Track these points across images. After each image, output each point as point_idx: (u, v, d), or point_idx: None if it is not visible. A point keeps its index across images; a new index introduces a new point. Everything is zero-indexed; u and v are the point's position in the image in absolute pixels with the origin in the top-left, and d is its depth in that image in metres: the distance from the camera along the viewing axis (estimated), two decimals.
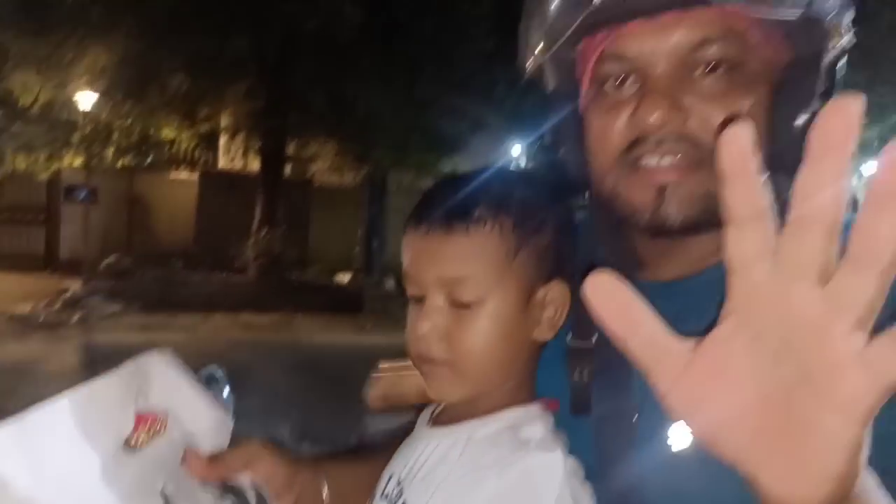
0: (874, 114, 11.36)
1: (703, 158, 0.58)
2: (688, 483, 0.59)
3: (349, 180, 11.94)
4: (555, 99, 0.69)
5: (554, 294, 0.66)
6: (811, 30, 0.60)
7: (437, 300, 0.65)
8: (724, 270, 0.64)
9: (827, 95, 0.61)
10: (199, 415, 0.68)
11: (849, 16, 0.63)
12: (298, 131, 9.91)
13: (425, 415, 0.74)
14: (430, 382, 0.67)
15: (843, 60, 0.63)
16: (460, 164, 11.70)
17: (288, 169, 10.76)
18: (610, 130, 0.62)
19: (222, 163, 12.72)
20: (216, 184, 11.02)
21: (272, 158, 9.77)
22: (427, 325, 0.64)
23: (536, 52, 0.64)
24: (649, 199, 0.60)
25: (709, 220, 0.60)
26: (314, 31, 7.33)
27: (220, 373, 0.76)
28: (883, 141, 13.55)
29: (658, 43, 0.58)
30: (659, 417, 0.61)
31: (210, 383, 0.75)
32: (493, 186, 0.66)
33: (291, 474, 0.69)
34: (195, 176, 11.53)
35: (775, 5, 0.56)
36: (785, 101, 0.60)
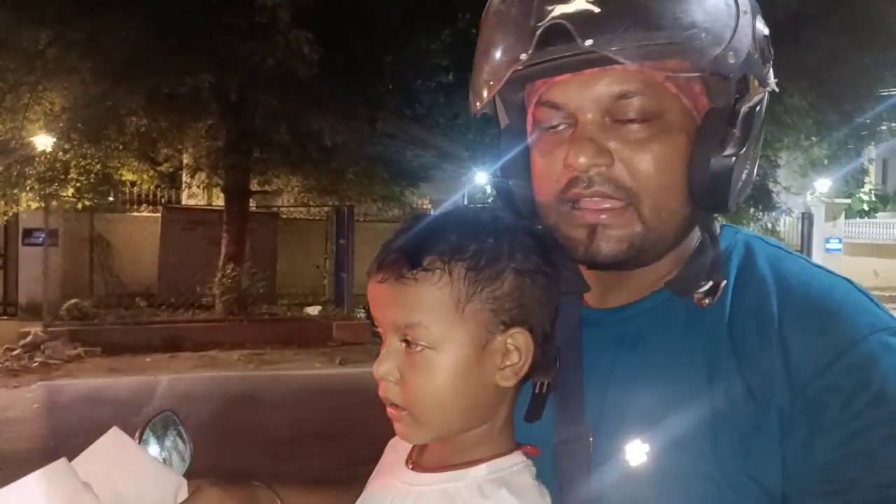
0: (821, 132, 11.77)
1: (628, 200, 0.65)
2: (639, 500, 0.64)
3: (316, 213, 11.92)
4: (506, 135, 0.75)
5: (516, 342, 0.66)
6: (726, 84, 0.65)
7: (394, 343, 0.66)
8: (661, 297, 0.70)
9: (744, 140, 0.66)
10: (154, 485, 0.69)
11: (768, 69, 0.68)
12: (262, 167, 9.88)
13: (400, 452, 0.74)
14: (394, 424, 0.69)
15: (762, 108, 0.68)
16: (426, 193, 11.81)
17: (253, 203, 10.71)
18: (549, 171, 0.68)
19: (185, 198, 12.60)
20: (179, 220, 10.87)
21: (236, 194, 9.71)
22: (384, 368, 0.66)
23: (482, 98, 0.70)
24: (583, 236, 0.66)
25: (637, 256, 0.67)
26: (274, 68, 7.37)
27: (175, 417, 0.77)
28: (831, 158, 13.95)
29: (584, 94, 0.65)
30: (612, 439, 0.66)
31: (166, 427, 0.76)
32: (451, 233, 0.66)
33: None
34: (157, 213, 11.39)
35: (683, 69, 0.62)
36: (702, 146, 0.65)
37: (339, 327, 9.41)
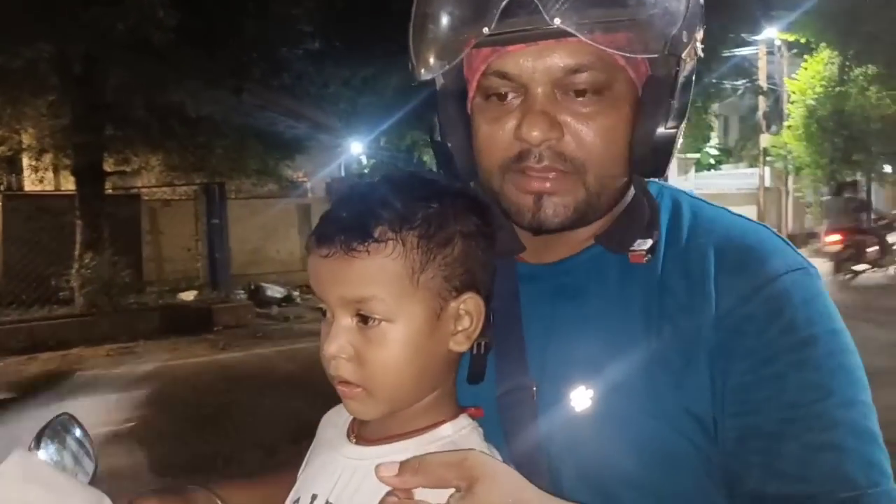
0: None
1: (575, 171, 0.67)
2: (585, 442, 0.67)
3: (184, 192, 11.22)
4: (442, 97, 0.74)
5: (468, 307, 0.66)
6: (669, 56, 0.67)
7: (344, 320, 0.64)
8: (595, 251, 0.73)
9: (683, 110, 0.69)
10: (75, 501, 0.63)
11: (700, 35, 0.70)
12: (117, 144, 9.11)
13: (339, 427, 0.72)
14: (345, 401, 0.66)
15: (693, 75, 0.71)
16: (301, 166, 11.45)
17: (109, 185, 9.87)
18: (497, 140, 0.68)
19: (28, 184, 11.39)
20: (24, 209, 9.79)
21: (88, 176, 8.89)
22: (335, 347, 0.63)
23: (432, 68, 0.70)
24: (529, 203, 0.68)
25: (580, 219, 0.70)
26: (125, 35, 6.75)
27: (72, 419, 0.71)
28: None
29: (537, 65, 0.65)
30: (556, 387, 0.69)
31: (65, 432, 0.70)
32: (396, 201, 0.64)
33: None
34: None
35: (638, 52, 0.64)
36: (645, 117, 0.68)
37: (220, 311, 8.98)
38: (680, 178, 20.53)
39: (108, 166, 9.43)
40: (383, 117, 9.87)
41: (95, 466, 0.70)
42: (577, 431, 0.67)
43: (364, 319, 0.63)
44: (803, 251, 0.72)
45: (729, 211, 0.75)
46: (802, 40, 16.24)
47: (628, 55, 0.64)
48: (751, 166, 21.21)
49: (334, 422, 0.73)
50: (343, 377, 0.64)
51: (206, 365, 6.93)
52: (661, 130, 0.67)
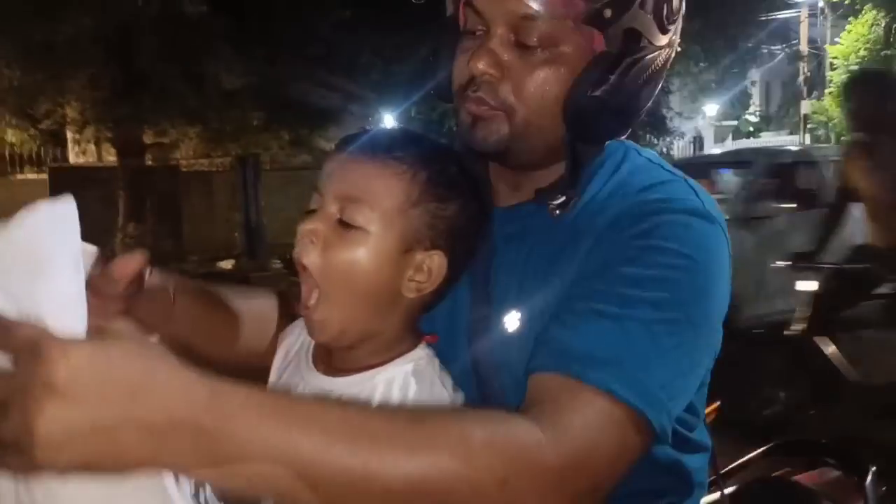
0: (709, 58, 12.32)
1: (504, 110, 0.73)
2: (517, 362, 0.72)
3: (220, 163, 11.44)
4: (447, 25, 0.81)
5: (431, 263, 0.71)
6: (628, 36, 0.71)
7: (329, 209, 0.69)
8: (543, 198, 0.79)
9: (618, 87, 0.72)
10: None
11: (671, 27, 0.74)
12: (156, 116, 9.32)
13: (300, 357, 0.78)
14: (303, 312, 0.71)
15: (657, 62, 0.74)
16: (334, 137, 11.53)
17: (149, 157, 10.12)
18: (459, 68, 0.76)
19: (73, 157, 11.75)
20: (69, 181, 10.05)
21: (129, 148, 9.13)
22: (310, 227, 0.69)
23: None
24: (468, 122, 0.75)
25: (506, 152, 0.75)
26: (158, 6, 6.87)
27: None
28: (718, 83, 14.47)
29: (496, 7, 0.72)
30: (501, 314, 0.76)
31: None
32: (427, 147, 0.73)
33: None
34: (43, 175, 10.57)
35: (568, 8, 0.70)
36: (579, 84, 0.72)
37: (257, 280, 9.19)
38: (717, 145, 20.10)
39: (148, 138, 9.66)
40: (415, 87, 9.87)
41: None
42: (509, 351, 0.74)
43: (346, 217, 0.68)
44: None
45: (665, 167, 0.79)
46: (847, 1, 15.64)
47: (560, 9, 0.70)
48: (792, 133, 20.63)
49: (300, 356, 0.78)
50: (302, 261, 0.69)
51: None
52: (587, 99, 0.71)
